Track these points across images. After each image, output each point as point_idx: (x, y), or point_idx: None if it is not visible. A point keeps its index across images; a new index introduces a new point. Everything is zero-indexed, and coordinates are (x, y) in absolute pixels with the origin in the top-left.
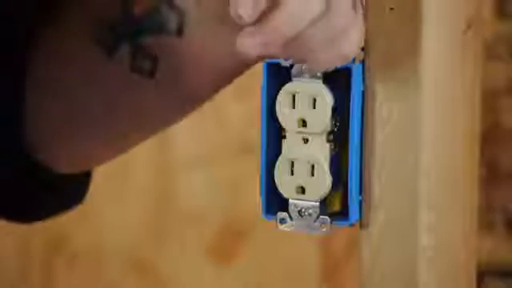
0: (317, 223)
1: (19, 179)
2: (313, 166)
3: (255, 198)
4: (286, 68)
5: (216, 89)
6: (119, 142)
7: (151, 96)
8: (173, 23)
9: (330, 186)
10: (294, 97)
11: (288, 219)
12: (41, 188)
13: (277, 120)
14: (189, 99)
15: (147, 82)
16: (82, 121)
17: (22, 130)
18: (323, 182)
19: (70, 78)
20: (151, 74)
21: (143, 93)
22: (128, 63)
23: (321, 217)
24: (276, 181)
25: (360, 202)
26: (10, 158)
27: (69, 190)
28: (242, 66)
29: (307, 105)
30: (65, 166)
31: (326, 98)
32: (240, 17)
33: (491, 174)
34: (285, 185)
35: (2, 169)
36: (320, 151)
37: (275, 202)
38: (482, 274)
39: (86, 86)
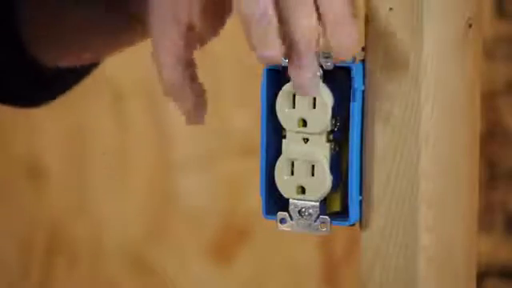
0: (317, 223)
1: (19, 70)
2: (313, 166)
3: (255, 197)
4: (286, 68)
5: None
6: (86, 48)
7: (100, 12)
8: None
9: (330, 185)
10: (293, 97)
11: (288, 219)
12: (37, 77)
13: (277, 120)
14: (137, 19)
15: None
16: (57, 26)
17: (18, 30)
18: (323, 181)
19: None
20: None
21: (93, 9)
22: None
23: (321, 217)
24: (276, 181)
25: (360, 202)
26: (10, 53)
27: (58, 82)
28: None
29: (307, 105)
30: (53, 59)
31: (326, 98)
32: None
33: (491, 174)
34: (285, 185)
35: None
36: (320, 151)
37: (275, 202)
38: (482, 274)
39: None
